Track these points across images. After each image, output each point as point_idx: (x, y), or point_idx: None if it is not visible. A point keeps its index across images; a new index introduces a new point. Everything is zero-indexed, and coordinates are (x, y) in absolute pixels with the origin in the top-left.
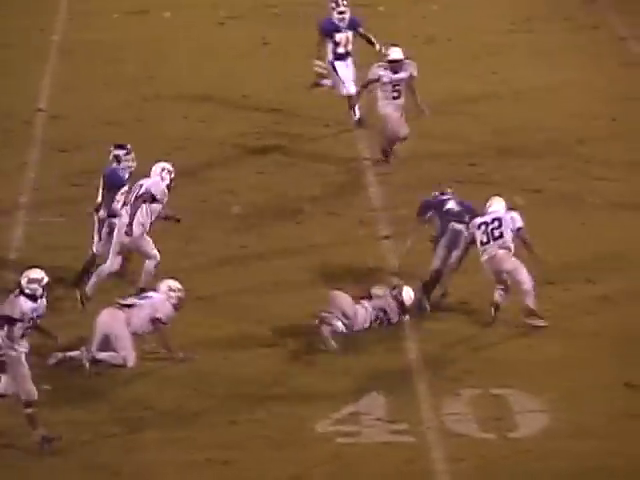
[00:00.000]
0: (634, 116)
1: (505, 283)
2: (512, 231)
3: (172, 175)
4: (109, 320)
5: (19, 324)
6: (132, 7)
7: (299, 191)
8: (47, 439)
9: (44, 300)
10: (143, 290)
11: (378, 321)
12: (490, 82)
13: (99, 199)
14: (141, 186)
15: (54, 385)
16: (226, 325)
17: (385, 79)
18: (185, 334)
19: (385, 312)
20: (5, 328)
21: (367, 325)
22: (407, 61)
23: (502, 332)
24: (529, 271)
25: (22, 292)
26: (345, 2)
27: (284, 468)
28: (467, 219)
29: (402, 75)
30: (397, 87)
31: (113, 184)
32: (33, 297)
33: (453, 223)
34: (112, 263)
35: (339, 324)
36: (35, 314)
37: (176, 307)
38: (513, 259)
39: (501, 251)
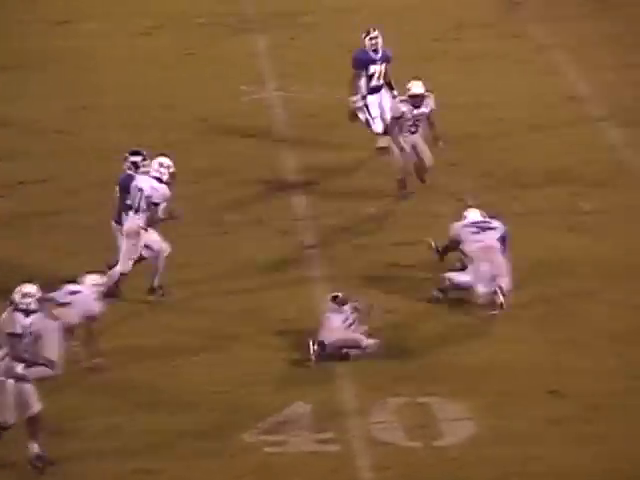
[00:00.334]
0: (553, 124)
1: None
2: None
3: (171, 170)
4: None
5: (23, 340)
6: (56, 17)
7: (222, 201)
8: (41, 458)
9: (38, 315)
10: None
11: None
12: None
13: (117, 207)
14: (141, 190)
15: None
16: (151, 335)
17: (408, 115)
18: (108, 342)
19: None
20: (9, 345)
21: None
22: (427, 94)
23: (427, 341)
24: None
25: (16, 308)
26: (376, 31)
27: (211, 478)
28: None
29: (423, 110)
30: (417, 122)
31: (128, 190)
32: (26, 312)
33: None
34: (125, 266)
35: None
36: (32, 329)
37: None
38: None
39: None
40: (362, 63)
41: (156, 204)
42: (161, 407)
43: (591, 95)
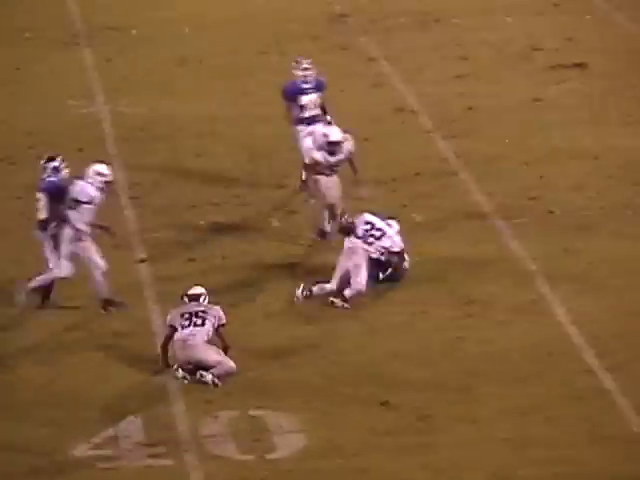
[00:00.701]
0: (383, 136)
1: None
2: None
3: (106, 177)
4: None
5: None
6: None
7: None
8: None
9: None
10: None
11: None
12: (241, 103)
13: (44, 215)
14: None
15: None
16: None
17: (323, 162)
18: None
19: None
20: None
21: None
22: (346, 138)
23: (257, 354)
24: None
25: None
26: (309, 60)
27: None
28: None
29: (340, 157)
30: (335, 168)
31: (60, 195)
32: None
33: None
34: (101, 263)
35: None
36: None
37: None
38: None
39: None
40: (292, 94)
41: (82, 202)
42: None
43: (419, 107)
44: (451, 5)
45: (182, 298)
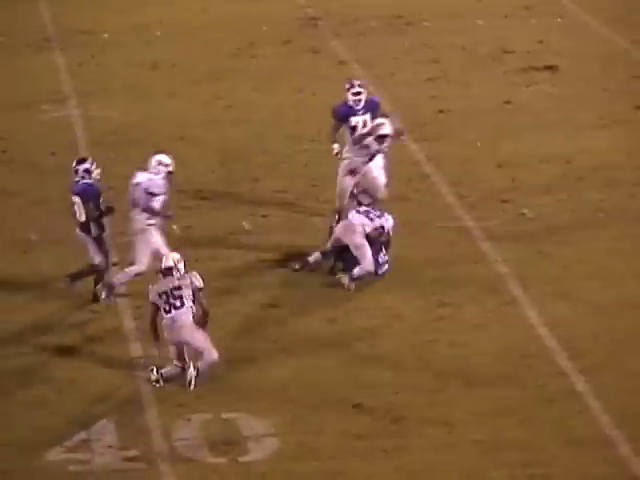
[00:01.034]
0: None
1: None
2: None
3: (170, 168)
4: None
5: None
6: None
7: (23, 220)
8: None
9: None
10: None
11: None
12: (214, 107)
13: (83, 218)
14: (138, 184)
15: None
16: None
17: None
18: None
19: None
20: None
21: None
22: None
23: (229, 357)
24: None
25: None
26: (360, 82)
27: None
28: None
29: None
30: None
31: (94, 196)
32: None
33: None
34: (142, 264)
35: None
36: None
37: None
38: None
39: None
40: (342, 116)
41: (153, 194)
42: None
43: (391, 110)
44: (422, 8)
45: (157, 273)
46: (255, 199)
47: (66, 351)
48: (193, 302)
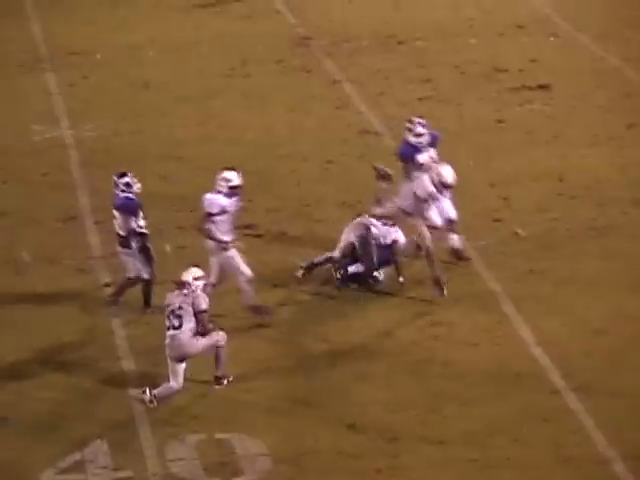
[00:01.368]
0: (348, 158)
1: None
2: None
3: (231, 182)
4: None
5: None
6: None
7: (16, 240)
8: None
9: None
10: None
11: None
12: (206, 126)
13: (124, 232)
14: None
15: None
16: None
17: (228, 208)
18: None
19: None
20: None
21: None
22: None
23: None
24: None
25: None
26: (421, 120)
27: None
28: None
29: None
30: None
31: (135, 210)
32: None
33: None
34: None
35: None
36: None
37: None
38: None
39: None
40: (408, 156)
41: (213, 214)
42: None
43: (384, 129)
44: (414, 27)
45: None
46: (248, 218)
47: (59, 370)
48: (196, 322)
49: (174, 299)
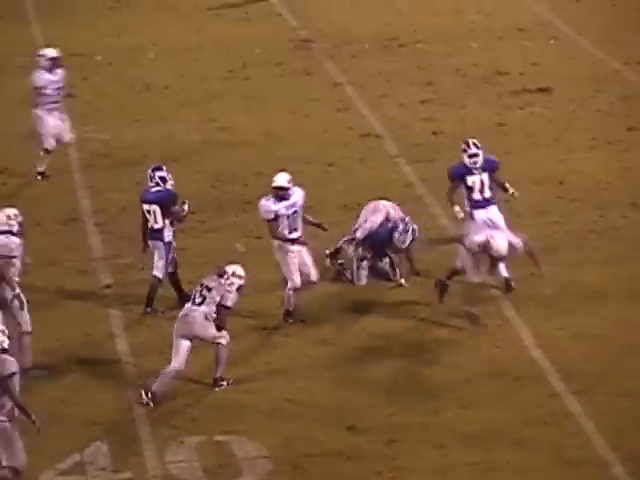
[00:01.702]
0: (349, 161)
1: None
2: None
3: (274, 183)
4: None
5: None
6: None
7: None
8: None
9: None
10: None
11: None
12: (206, 129)
13: (158, 225)
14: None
15: None
16: None
17: (281, 212)
18: None
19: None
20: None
21: None
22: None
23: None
24: None
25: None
26: (476, 143)
27: None
28: None
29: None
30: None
31: (168, 203)
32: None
33: None
34: (295, 280)
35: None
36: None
37: None
38: None
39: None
40: (457, 176)
41: (269, 220)
42: None
43: (385, 132)
44: (416, 30)
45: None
46: (249, 221)
47: (59, 372)
48: (216, 313)
49: (210, 281)
